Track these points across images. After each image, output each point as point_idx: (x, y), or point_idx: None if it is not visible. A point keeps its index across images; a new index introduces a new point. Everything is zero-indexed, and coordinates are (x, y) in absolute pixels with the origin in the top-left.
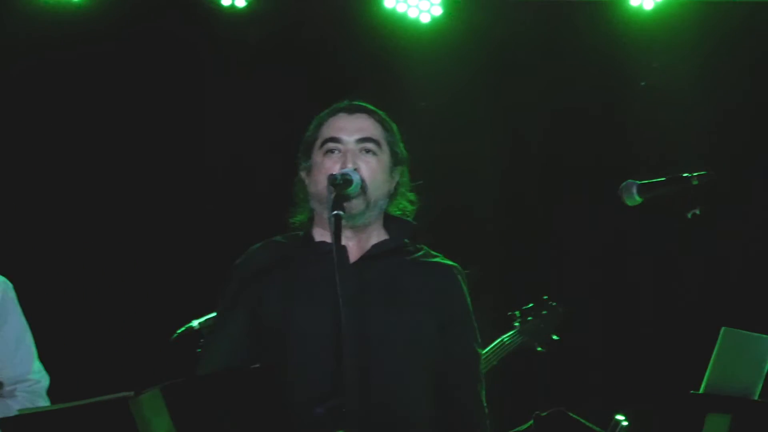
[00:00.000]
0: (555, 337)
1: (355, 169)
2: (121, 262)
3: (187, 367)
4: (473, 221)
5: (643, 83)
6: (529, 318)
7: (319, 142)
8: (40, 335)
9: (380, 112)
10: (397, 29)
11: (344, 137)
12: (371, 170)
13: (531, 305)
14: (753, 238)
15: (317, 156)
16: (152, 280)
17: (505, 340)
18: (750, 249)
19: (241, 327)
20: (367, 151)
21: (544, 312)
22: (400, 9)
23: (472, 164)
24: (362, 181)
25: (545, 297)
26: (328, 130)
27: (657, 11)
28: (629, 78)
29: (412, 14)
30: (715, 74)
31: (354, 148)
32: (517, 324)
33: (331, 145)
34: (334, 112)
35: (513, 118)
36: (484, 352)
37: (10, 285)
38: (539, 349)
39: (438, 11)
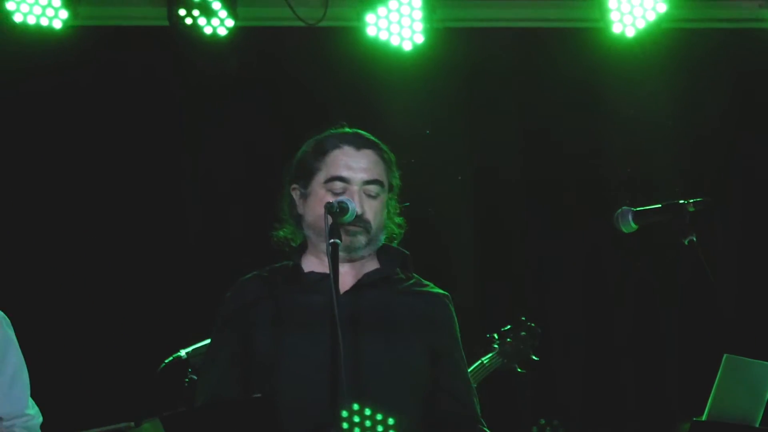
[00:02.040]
0: (534, 357)
1: (363, 213)
2: (108, 293)
3: (176, 397)
4: (449, 245)
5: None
6: (508, 339)
7: (322, 176)
8: (29, 363)
9: (383, 146)
10: (380, 57)
11: (352, 177)
12: (374, 212)
13: (509, 327)
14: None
15: (318, 188)
16: (139, 310)
17: (485, 361)
18: (744, 274)
19: (232, 359)
20: (372, 195)
21: (523, 333)
22: (383, 37)
23: (450, 189)
24: (364, 222)
25: (523, 318)
26: (335, 167)
27: (638, 38)
28: (611, 105)
29: (394, 42)
30: (696, 100)
31: (359, 189)
32: (496, 346)
33: (337, 184)
34: (339, 144)
35: (492, 144)
36: None
37: (7, 320)
38: (519, 370)
39: (420, 39)
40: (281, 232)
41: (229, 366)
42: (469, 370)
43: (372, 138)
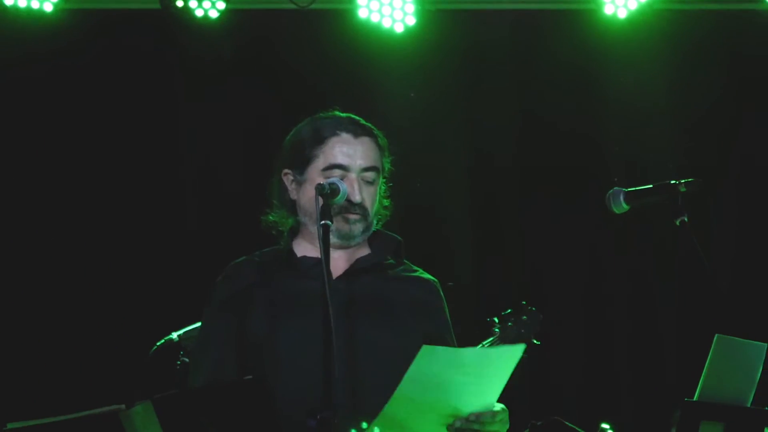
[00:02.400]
0: (536, 341)
1: (362, 201)
2: (100, 276)
3: (168, 379)
4: (445, 230)
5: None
6: (509, 323)
7: (320, 163)
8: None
9: (378, 132)
10: (371, 39)
11: (350, 165)
12: (372, 199)
13: (509, 311)
14: (742, 243)
15: (316, 175)
16: (131, 292)
17: (486, 345)
18: (741, 254)
19: (227, 342)
20: (369, 181)
21: (524, 317)
22: (374, 19)
23: (444, 173)
24: (362, 209)
25: (524, 302)
26: (333, 155)
27: (630, 20)
28: (604, 87)
29: (386, 24)
30: (688, 82)
31: (357, 176)
32: (497, 330)
33: (336, 172)
34: (337, 131)
35: (485, 128)
36: None
37: None
38: None
39: (412, 21)
40: (271, 217)
41: (224, 349)
42: None
43: (368, 124)
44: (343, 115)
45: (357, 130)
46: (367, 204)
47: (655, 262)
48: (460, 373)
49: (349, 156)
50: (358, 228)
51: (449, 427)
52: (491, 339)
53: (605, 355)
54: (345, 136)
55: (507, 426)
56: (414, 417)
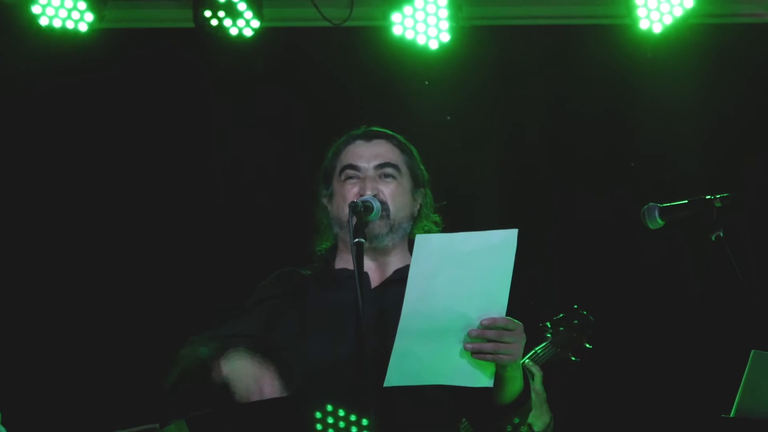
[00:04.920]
0: (588, 345)
1: (375, 195)
2: (134, 292)
3: (201, 397)
4: None
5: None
6: (561, 328)
7: (338, 170)
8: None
9: (398, 136)
10: (406, 56)
11: (362, 164)
12: (392, 193)
13: (561, 315)
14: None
15: (337, 183)
16: (164, 310)
17: (538, 351)
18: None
19: (253, 331)
20: (387, 176)
21: (576, 321)
22: (409, 36)
23: (479, 189)
24: (383, 204)
25: (575, 306)
26: (346, 158)
27: (665, 34)
28: (639, 102)
29: (420, 41)
30: (723, 96)
31: (373, 175)
32: (549, 335)
33: (350, 172)
34: (351, 140)
35: (520, 143)
36: None
37: None
38: (573, 358)
39: (446, 37)
40: (323, 245)
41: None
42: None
43: (384, 130)
44: (364, 128)
45: (370, 135)
46: (386, 198)
47: (692, 281)
48: (457, 264)
49: (360, 156)
50: (380, 227)
51: (465, 344)
52: (544, 344)
53: (639, 367)
54: (358, 142)
55: (524, 340)
56: (427, 342)
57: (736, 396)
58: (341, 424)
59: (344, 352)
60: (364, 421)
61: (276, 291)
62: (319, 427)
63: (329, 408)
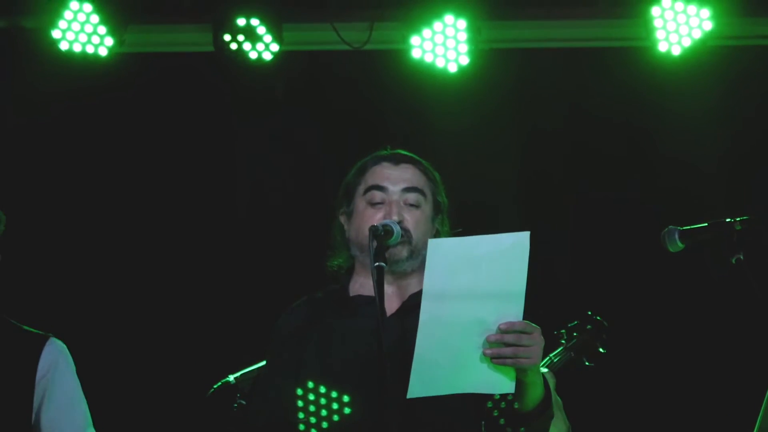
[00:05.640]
0: (602, 350)
1: (400, 222)
2: (158, 318)
3: (225, 422)
4: None
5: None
6: (575, 334)
7: (362, 189)
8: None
9: (424, 162)
10: (425, 79)
11: (390, 186)
12: (416, 221)
13: (576, 322)
14: None
15: (360, 203)
16: (189, 335)
17: (553, 358)
18: None
19: (284, 382)
20: (412, 204)
21: (589, 326)
22: (428, 59)
23: (496, 211)
24: (404, 231)
25: (589, 312)
26: (372, 178)
27: (684, 57)
28: (658, 124)
29: (439, 64)
30: (741, 118)
31: (398, 199)
32: (563, 341)
33: (376, 193)
34: (378, 161)
35: (539, 166)
36: None
37: (64, 348)
38: (587, 363)
39: (465, 60)
40: (335, 261)
41: (282, 391)
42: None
43: (411, 155)
44: (390, 150)
45: (398, 158)
46: (409, 226)
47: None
48: (471, 267)
49: (388, 178)
50: (400, 252)
51: (485, 350)
52: (559, 350)
53: (655, 374)
54: (385, 164)
55: (543, 343)
56: (446, 349)
57: (756, 419)
58: None
59: (366, 379)
60: None
61: (294, 325)
62: None
63: None
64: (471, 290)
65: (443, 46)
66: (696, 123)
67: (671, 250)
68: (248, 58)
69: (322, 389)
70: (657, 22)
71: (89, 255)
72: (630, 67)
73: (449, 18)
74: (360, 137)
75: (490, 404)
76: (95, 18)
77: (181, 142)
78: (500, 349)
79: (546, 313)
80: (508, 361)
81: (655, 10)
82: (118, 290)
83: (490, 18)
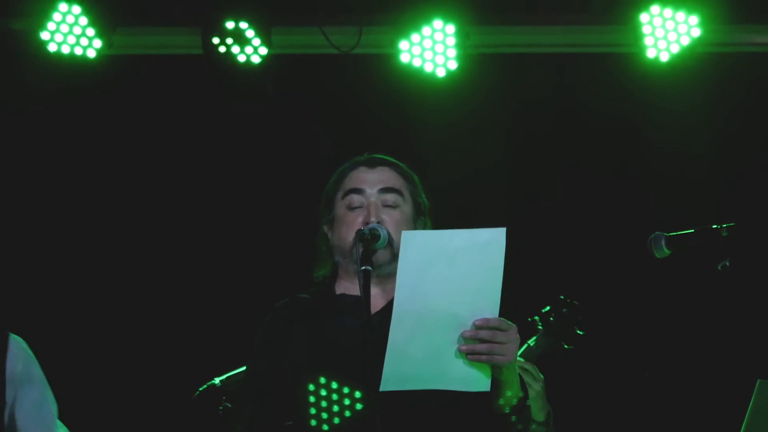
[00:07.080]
0: (579, 332)
1: (380, 222)
2: (143, 321)
3: (210, 425)
4: None
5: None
6: (551, 318)
7: (340, 194)
8: (60, 394)
9: (401, 164)
10: (413, 83)
11: (367, 189)
12: (395, 222)
13: (548, 308)
14: None
15: (340, 208)
16: (174, 338)
17: (531, 343)
18: None
19: (267, 384)
20: (390, 204)
21: (564, 310)
22: (416, 63)
23: (484, 217)
24: (389, 234)
25: (561, 296)
26: (350, 182)
27: (672, 63)
28: (645, 130)
29: (428, 68)
30: (731, 124)
31: (376, 200)
32: (540, 327)
33: (354, 197)
34: (355, 165)
35: (528, 171)
36: None
37: (28, 350)
38: (566, 346)
39: (453, 65)
40: (321, 272)
41: (266, 392)
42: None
43: (387, 157)
44: (367, 155)
45: (374, 161)
46: (389, 226)
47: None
48: (446, 261)
49: (365, 181)
50: (385, 255)
51: (459, 346)
52: (536, 336)
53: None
54: (362, 168)
55: (518, 340)
56: (420, 343)
57: (741, 425)
58: None
59: (352, 377)
60: None
61: (279, 326)
62: None
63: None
64: (446, 284)
65: (432, 50)
66: (683, 129)
67: (657, 256)
68: (237, 62)
69: (334, 385)
70: (645, 29)
71: (76, 257)
72: (618, 73)
73: (438, 23)
74: (347, 142)
75: (507, 410)
76: (84, 20)
77: (169, 144)
78: (475, 345)
79: (518, 300)
80: (483, 357)
81: (643, 17)
82: (105, 293)
83: (478, 23)
